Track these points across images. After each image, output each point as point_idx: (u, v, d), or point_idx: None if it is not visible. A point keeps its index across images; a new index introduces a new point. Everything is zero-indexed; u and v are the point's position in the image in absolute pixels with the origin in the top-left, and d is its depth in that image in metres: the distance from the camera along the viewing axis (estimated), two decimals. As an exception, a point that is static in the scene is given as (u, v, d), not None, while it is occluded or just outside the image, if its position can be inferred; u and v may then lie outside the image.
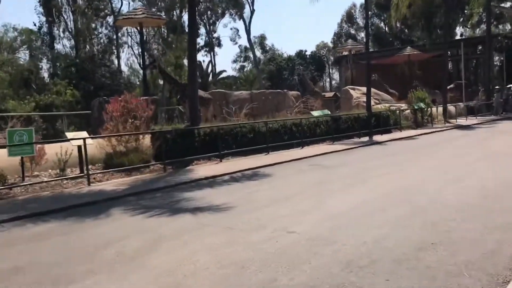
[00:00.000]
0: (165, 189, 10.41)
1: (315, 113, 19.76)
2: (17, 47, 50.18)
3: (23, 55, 48.33)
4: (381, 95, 29.91)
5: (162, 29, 43.35)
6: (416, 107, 25.98)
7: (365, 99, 28.14)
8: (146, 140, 13.73)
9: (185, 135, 14.03)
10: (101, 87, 35.03)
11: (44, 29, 42.22)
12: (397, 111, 24.58)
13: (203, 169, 13.04)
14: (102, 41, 44.11)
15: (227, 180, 11.50)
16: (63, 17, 42.03)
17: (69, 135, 11.91)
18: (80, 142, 11.52)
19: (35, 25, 42.51)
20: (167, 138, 13.54)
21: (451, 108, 30.50)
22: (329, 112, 20.95)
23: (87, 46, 42.08)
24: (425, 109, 26.91)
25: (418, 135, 21.64)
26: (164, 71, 22.47)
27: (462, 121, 28.80)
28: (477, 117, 31.08)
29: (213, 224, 6.91)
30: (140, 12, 22.52)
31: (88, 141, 11.78)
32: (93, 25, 43.69)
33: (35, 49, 46.73)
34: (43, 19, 41.41)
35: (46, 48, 42.23)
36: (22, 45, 50.45)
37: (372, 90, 28.49)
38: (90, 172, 11.49)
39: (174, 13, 44.33)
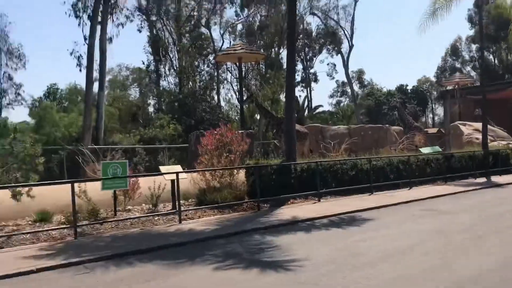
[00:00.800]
0: (258, 231, 9.26)
1: (425, 150, 17.76)
2: (129, 84, 53.33)
3: (133, 92, 51.14)
4: (496, 132, 26.80)
5: (261, 65, 43.43)
6: (540, 145, 22.73)
7: (477, 136, 25.36)
8: (241, 175, 12.80)
9: (281, 171, 12.90)
10: (201, 121, 35.43)
11: (152, 67, 44.15)
12: (518, 150, 21.61)
13: (299, 209, 11.76)
14: (204, 77, 45.18)
15: (326, 224, 10.09)
16: (169, 56, 43.72)
17: (162, 169, 11.32)
18: (173, 176, 10.83)
19: (143, 63, 44.66)
20: (261, 174, 12.50)
21: None
22: (440, 149, 18.78)
23: (190, 83, 43.25)
24: (550, 147, 23.45)
25: (546, 177, 18.65)
26: (261, 105, 21.79)
27: None
28: None
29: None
30: (239, 47, 22.22)
31: (182, 175, 11.06)
32: (196, 62, 44.97)
33: (143, 86, 49.13)
34: (151, 57, 43.30)
35: (153, 84, 44.07)
36: (133, 82, 53.55)
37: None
38: (182, 209, 10.72)
39: (273, 50, 44.32)
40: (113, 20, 31.53)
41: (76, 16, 28.08)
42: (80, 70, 28.63)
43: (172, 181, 11.09)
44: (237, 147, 12.61)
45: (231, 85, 44.27)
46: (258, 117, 39.19)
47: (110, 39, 32.15)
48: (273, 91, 40.29)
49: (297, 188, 13.07)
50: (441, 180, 17.01)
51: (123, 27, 32.46)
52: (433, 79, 65.92)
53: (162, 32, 43.85)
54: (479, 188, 15.50)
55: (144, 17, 43.61)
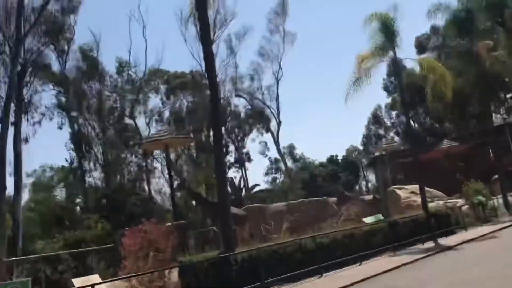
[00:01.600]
0: None
1: (368, 220, 16.88)
2: (54, 185, 49.94)
3: (60, 193, 47.81)
4: (432, 192, 26.79)
5: (191, 150, 42.48)
6: (475, 201, 22.73)
7: (415, 198, 25.14)
8: (174, 276, 11.07)
9: (219, 264, 11.32)
10: (132, 217, 33.11)
11: (75, 164, 41.70)
12: (457, 208, 21.39)
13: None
14: (132, 169, 43.19)
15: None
16: (93, 151, 41.66)
17: (76, 282, 9.36)
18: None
19: (66, 161, 42.14)
20: (196, 272, 10.86)
21: (510, 198, 26.97)
22: (382, 217, 18.01)
23: (118, 176, 41.11)
24: (485, 202, 23.55)
25: (490, 232, 18.25)
26: (193, 192, 20.41)
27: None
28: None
29: None
30: (165, 134, 21.07)
31: (102, 286, 9.22)
32: (123, 155, 43.15)
33: (69, 186, 46.18)
34: (74, 154, 41.00)
35: (78, 183, 41.40)
36: (58, 183, 50.26)
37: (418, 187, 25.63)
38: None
39: (203, 134, 43.68)
40: (28, 120, 29.63)
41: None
42: (-12, 174, 25.77)
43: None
44: (166, 243, 10.99)
45: (163, 174, 42.54)
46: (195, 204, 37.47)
47: (26, 139, 30.00)
48: (207, 175, 39.06)
49: (239, 282, 11.46)
50: (389, 250, 16.01)
51: (40, 125, 30.39)
52: (361, 147, 67.85)
53: (85, 127, 42.06)
54: (429, 255, 14.59)
55: (64, 113, 41.80)
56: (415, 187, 26.37)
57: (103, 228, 30.79)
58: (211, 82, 13.70)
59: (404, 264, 13.23)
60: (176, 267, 10.84)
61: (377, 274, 12.12)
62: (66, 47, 40.31)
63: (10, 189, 28.37)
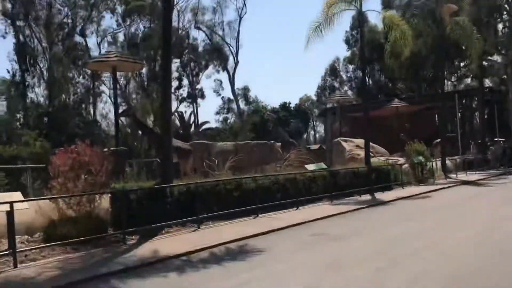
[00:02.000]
0: (116, 275, 7.21)
1: (310, 167, 16.88)
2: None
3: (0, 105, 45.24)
4: (375, 148, 27.31)
5: (143, 78, 40.93)
6: (416, 161, 23.33)
7: (359, 152, 25.52)
8: (105, 202, 10.57)
9: (154, 195, 10.90)
10: (74, 138, 31.89)
11: (18, 77, 39.29)
12: (398, 166, 21.86)
13: (174, 241, 9.85)
14: (78, 90, 41.30)
15: (205, 259, 8.32)
16: (39, 66, 39.31)
17: None
18: (7, 207, 8.32)
19: (8, 72, 39.58)
20: (130, 200, 10.41)
21: (448, 162, 27.99)
22: (325, 166, 18.09)
23: (63, 96, 39.19)
24: (425, 163, 24.26)
25: (425, 192, 18.83)
26: (139, 120, 19.59)
27: (462, 176, 26.22)
28: (477, 172, 28.58)
29: None
30: (113, 55, 19.86)
31: (23, 205, 8.60)
32: (70, 74, 41.01)
33: (10, 99, 43.66)
34: (17, 67, 38.53)
35: (19, 97, 39.19)
36: (1, 94, 47.49)
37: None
38: (19, 249, 8.26)
39: (156, 63, 42.00)
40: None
41: None
42: None
43: (8, 212, 8.56)
44: (99, 167, 10.38)
45: (110, 99, 40.97)
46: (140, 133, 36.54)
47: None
48: (156, 105, 37.95)
49: (174, 215, 11.15)
50: (327, 198, 16.19)
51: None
52: (314, 98, 68.14)
53: (31, 40, 39.38)
54: (365, 207, 14.84)
55: (9, 21, 38.81)
56: (361, 141, 26.73)
57: (42, 147, 29.41)
58: (165, 3, 12.60)
59: (340, 214, 13.36)
60: (108, 193, 10.31)
61: (312, 220, 12.15)
62: None
63: None
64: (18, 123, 40.16)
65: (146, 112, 34.57)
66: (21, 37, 38.92)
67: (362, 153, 24.42)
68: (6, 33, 39.16)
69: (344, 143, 26.94)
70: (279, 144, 27.74)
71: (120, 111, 20.51)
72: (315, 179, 16.11)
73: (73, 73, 41.15)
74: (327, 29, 19.32)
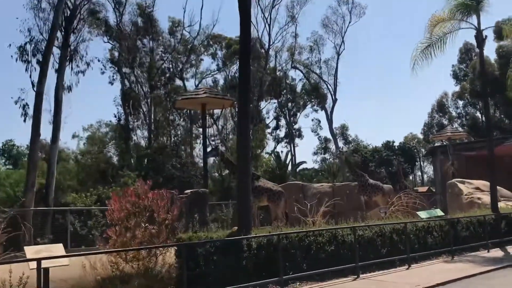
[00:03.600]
0: None
1: (423, 214, 13.77)
2: (107, 141, 49.43)
3: (111, 149, 47.20)
4: (500, 191, 22.96)
5: (235, 117, 40.10)
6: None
7: (479, 196, 21.51)
8: (169, 256, 8.68)
9: (227, 248, 8.79)
10: (171, 179, 31.45)
11: (122, 121, 40.52)
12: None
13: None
14: (179, 132, 41.48)
15: None
16: (142, 109, 40.26)
17: (28, 251, 7.06)
18: (47, 263, 6.71)
19: (115, 116, 41.04)
20: (197, 254, 8.40)
21: None
22: (441, 213, 14.79)
23: (164, 138, 39.57)
24: None
25: None
26: (227, 159, 17.87)
27: None
28: None
29: None
30: (202, 92, 18.61)
31: (60, 261, 6.95)
32: (172, 117, 41.49)
33: (116, 143, 45.18)
34: (121, 110, 39.77)
35: (123, 140, 40.25)
36: (111, 140, 49.71)
37: (487, 184, 21.94)
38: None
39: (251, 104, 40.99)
40: (72, 68, 28.14)
41: (24, 61, 24.48)
42: (25, 121, 24.64)
43: (38, 270, 6.96)
44: (163, 213, 8.57)
45: (208, 140, 40.56)
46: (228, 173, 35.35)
47: (69, 88, 28.59)
48: (252, 145, 36.68)
49: (251, 273, 8.93)
50: (445, 254, 12.94)
51: (83, 74, 28.87)
52: (420, 136, 63.01)
53: (135, 85, 40.66)
54: (500, 267, 11.38)
55: (116, 69, 40.52)
56: (481, 183, 22.69)
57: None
58: (242, 22, 10.72)
59: (467, 277, 10.15)
60: (168, 246, 8.39)
61: (429, 287, 9.16)
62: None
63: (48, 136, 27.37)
64: (122, 165, 41.16)
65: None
66: (126, 83, 40.35)
67: (483, 197, 20.53)
68: (113, 79, 40.87)
69: (461, 185, 22.97)
70: (384, 186, 24.49)
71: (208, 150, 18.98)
72: (429, 229, 12.98)
73: (174, 116, 41.55)
74: (437, 50, 16.36)
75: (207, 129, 38.10)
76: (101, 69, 40.78)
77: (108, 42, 39.80)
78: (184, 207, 12.99)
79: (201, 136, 44.06)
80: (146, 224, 8.34)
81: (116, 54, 39.85)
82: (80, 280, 7.71)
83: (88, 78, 58.57)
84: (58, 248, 7.19)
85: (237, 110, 11.61)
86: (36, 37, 24.33)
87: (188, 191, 14.14)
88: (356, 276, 10.18)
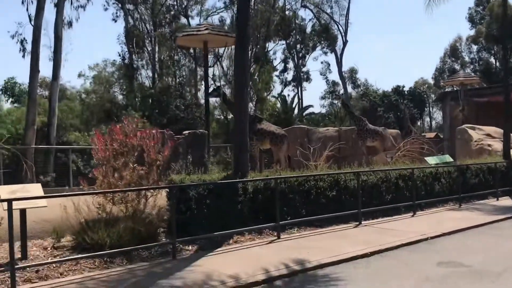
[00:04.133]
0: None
1: (431, 160, 13.10)
2: (113, 81, 48.48)
3: (116, 88, 46.36)
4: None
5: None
6: None
7: (490, 142, 20.72)
8: (161, 198, 8.12)
9: (221, 192, 8.21)
10: (175, 120, 30.82)
11: (127, 60, 39.42)
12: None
13: (240, 257, 7.08)
14: (184, 73, 40.37)
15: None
16: (146, 48, 39.01)
17: (2, 190, 6.50)
18: (23, 203, 6.17)
19: (119, 55, 39.91)
20: (188, 198, 7.83)
21: None
22: (451, 159, 14.10)
23: (169, 78, 38.54)
24: None
25: None
26: (229, 100, 17.08)
27: None
28: None
29: None
30: (204, 28, 17.49)
31: (38, 202, 6.40)
32: (176, 57, 40.25)
33: (120, 82, 44.28)
34: (125, 49, 38.59)
35: (125, 78, 39.32)
36: (118, 79, 48.72)
37: (498, 130, 21.15)
38: (32, 262, 6.11)
39: (257, 45, 39.51)
40: (71, 2, 26.77)
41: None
42: (23, 57, 23.72)
43: (22, 210, 6.44)
44: (153, 154, 7.92)
45: (213, 81, 39.51)
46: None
47: (70, 23, 27.37)
48: (257, 88, 35.66)
49: (247, 218, 8.41)
50: (453, 201, 12.37)
51: (84, 9, 27.54)
52: (431, 81, 61.43)
53: (139, 23, 39.17)
54: (510, 217, 10.79)
55: (119, 5, 38.91)
56: (493, 129, 21.87)
57: (143, 128, 28.67)
58: None
59: (475, 227, 9.57)
60: (160, 188, 7.79)
61: (435, 236, 8.62)
62: None
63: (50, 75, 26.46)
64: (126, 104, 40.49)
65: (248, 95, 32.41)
66: (130, 20, 38.88)
67: (494, 144, 19.76)
68: (117, 16, 39.40)
69: (471, 131, 22.09)
70: (391, 131, 23.68)
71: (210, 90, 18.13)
72: (437, 176, 12.33)
73: (178, 56, 40.31)
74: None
75: (211, 69, 37.22)
76: (104, 6, 39.37)
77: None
78: (181, 149, 12.41)
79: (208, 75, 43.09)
80: (135, 165, 7.73)
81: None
82: (62, 222, 7.20)
83: (91, 15, 56.71)
84: (35, 188, 6.63)
85: (234, 41, 10.64)
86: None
87: (186, 132, 13.51)
88: (358, 223, 9.65)
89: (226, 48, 27.10)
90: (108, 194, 7.44)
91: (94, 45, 66.64)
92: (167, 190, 7.88)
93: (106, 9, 39.12)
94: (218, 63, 36.93)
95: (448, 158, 13.99)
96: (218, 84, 35.36)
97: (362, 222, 9.72)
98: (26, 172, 15.85)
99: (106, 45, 68.45)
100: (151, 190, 7.85)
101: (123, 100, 40.99)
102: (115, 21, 39.86)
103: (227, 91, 31.85)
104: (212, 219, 7.90)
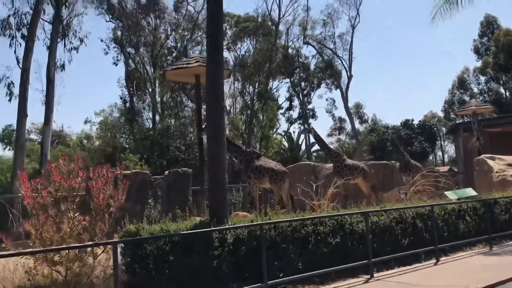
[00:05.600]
0: None
1: (452, 195, 11.15)
2: (120, 126, 47.42)
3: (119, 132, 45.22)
4: (535, 168, 20.03)
5: (248, 97, 37.55)
6: None
7: (512, 173, 18.69)
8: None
9: (191, 245, 6.36)
10: (175, 162, 29.20)
11: (128, 102, 38.39)
12: None
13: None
14: (186, 114, 39.08)
15: None
16: (148, 90, 38.02)
17: None
18: None
19: (121, 98, 38.93)
20: (146, 254, 6.00)
21: None
22: (475, 193, 12.11)
23: (171, 120, 37.28)
24: None
25: None
26: (227, 139, 15.41)
27: None
28: None
29: None
30: (194, 61, 15.97)
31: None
32: (178, 98, 39.13)
33: (122, 124, 43.07)
34: (126, 92, 37.63)
35: (127, 121, 38.14)
36: (124, 125, 47.67)
37: (521, 160, 19.19)
38: None
39: (257, 81, 38.33)
40: (65, 44, 25.85)
41: (8, 35, 22.23)
42: (10, 100, 22.50)
43: None
44: (100, 199, 6.16)
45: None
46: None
47: (63, 66, 26.35)
48: (262, 125, 34.18)
49: (227, 277, 6.52)
50: (482, 242, 10.33)
51: (77, 51, 26.58)
52: (441, 114, 59.57)
53: (140, 65, 38.37)
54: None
55: (119, 49, 38.26)
56: (513, 159, 19.88)
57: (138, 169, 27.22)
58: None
59: (517, 277, 7.53)
60: (101, 244, 5.98)
61: (471, 293, 6.61)
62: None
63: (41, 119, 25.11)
64: (126, 147, 39.13)
65: (234, 129, 31.10)
66: (131, 63, 38.12)
67: (518, 174, 17.74)
68: (118, 60, 38.71)
69: (490, 162, 20.01)
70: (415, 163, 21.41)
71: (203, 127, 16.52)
72: (461, 213, 10.34)
73: (181, 96, 39.18)
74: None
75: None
76: (105, 50, 38.73)
77: (110, 21, 37.62)
78: (159, 191, 10.66)
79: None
80: (76, 214, 5.98)
81: (119, 33, 37.58)
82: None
83: (92, 59, 56.37)
84: None
85: (206, 51, 8.92)
86: (21, 10, 21.98)
87: (167, 171, 11.81)
88: (369, 277, 7.68)
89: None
90: (41, 254, 5.64)
91: (92, 88, 65.98)
92: (122, 245, 6.05)
93: (106, 53, 38.46)
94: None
95: (471, 191, 12.02)
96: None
97: (374, 275, 7.75)
98: (12, 221, 14.49)
99: (105, 88, 67.81)
100: (102, 246, 6.05)
101: (119, 144, 39.63)
102: (116, 65, 39.15)
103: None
104: (178, 280, 6.03)
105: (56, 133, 38.97)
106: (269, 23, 41.10)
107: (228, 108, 37.93)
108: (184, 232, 6.33)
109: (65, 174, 6.03)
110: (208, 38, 8.42)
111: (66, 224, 5.90)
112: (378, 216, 8.72)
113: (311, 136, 48.60)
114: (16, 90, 21.87)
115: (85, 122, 43.05)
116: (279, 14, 39.76)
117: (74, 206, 5.99)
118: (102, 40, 38.05)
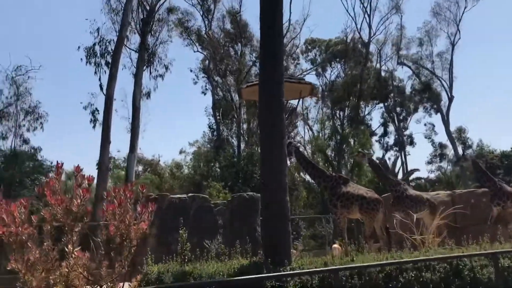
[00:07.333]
0: None
1: None
2: (212, 156, 47.54)
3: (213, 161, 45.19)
4: None
5: (337, 121, 35.20)
6: None
7: None
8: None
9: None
10: (260, 190, 27.57)
11: (215, 131, 38.04)
12: None
13: None
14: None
15: None
16: (235, 117, 37.36)
17: None
18: None
19: (210, 127, 38.76)
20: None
21: None
22: None
23: (255, 146, 36.14)
24: None
25: None
26: (305, 157, 13.45)
27: None
28: None
29: None
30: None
31: None
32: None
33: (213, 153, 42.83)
34: (213, 120, 37.33)
35: (214, 149, 37.66)
36: (216, 154, 47.67)
37: None
38: None
39: (347, 105, 35.91)
40: (150, 72, 25.82)
41: (93, 63, 22.46)
42: (94, 127, 22.50)
43: None
44: (117, 228, 4.44)
45: (304, 146, 36.23)
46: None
47: (148, 94, 26.31)
48: (353, 150, 31.55)
49: None
50: None
51: (162, 79, 26.47)
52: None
53: (227, 93, 37.97)
54: None
55: (207, 78, 38.30)
56: None
57: (225, 199, 26.03)
58: None
59: None
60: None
61: None
62: (212, 6, 36.37)
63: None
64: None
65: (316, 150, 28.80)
66: (219, 91, 37.92)
67: None
68: (206, 89, 38.75)
69: None
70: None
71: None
72: None
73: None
74: None
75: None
76: (194, 79, 39.02)
77: (198, 51, 37.83)
78: (220, 220, 8.83)
79: (296, 138, 39.92)
80: (76, 249, 4.30)
81: (207, 63, 37.64)
82: None
83: (182, 88, 57.13)
84: None
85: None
86: (105, 38, 22.20)
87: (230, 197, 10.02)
88: None
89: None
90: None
91: (179, 117, 66.62)
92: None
93: (195, 83, 38.69)
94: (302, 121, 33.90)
95: None
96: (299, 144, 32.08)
97: None
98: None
99: (192, 116, 67.83)
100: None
101: (207, 172, 39.07)
102: (204, 94, 39.14)
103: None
104: None
105: (148, 161, 39.49)
106: (360, 47, 38.89)
107: (316, 133, 35.88)
108: (218, 280, 4.34)
109: (60, 193, 4.41)
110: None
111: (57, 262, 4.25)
112: (510, 258, 6.06)
113: (408, 165, 44.61)
114: (100, 117, 21.86)
115: (180, 152, 43.38)
116: (370, 33, 37.31)
117: (74, 238, 4.34)
118: (191, 70, 38.42)
